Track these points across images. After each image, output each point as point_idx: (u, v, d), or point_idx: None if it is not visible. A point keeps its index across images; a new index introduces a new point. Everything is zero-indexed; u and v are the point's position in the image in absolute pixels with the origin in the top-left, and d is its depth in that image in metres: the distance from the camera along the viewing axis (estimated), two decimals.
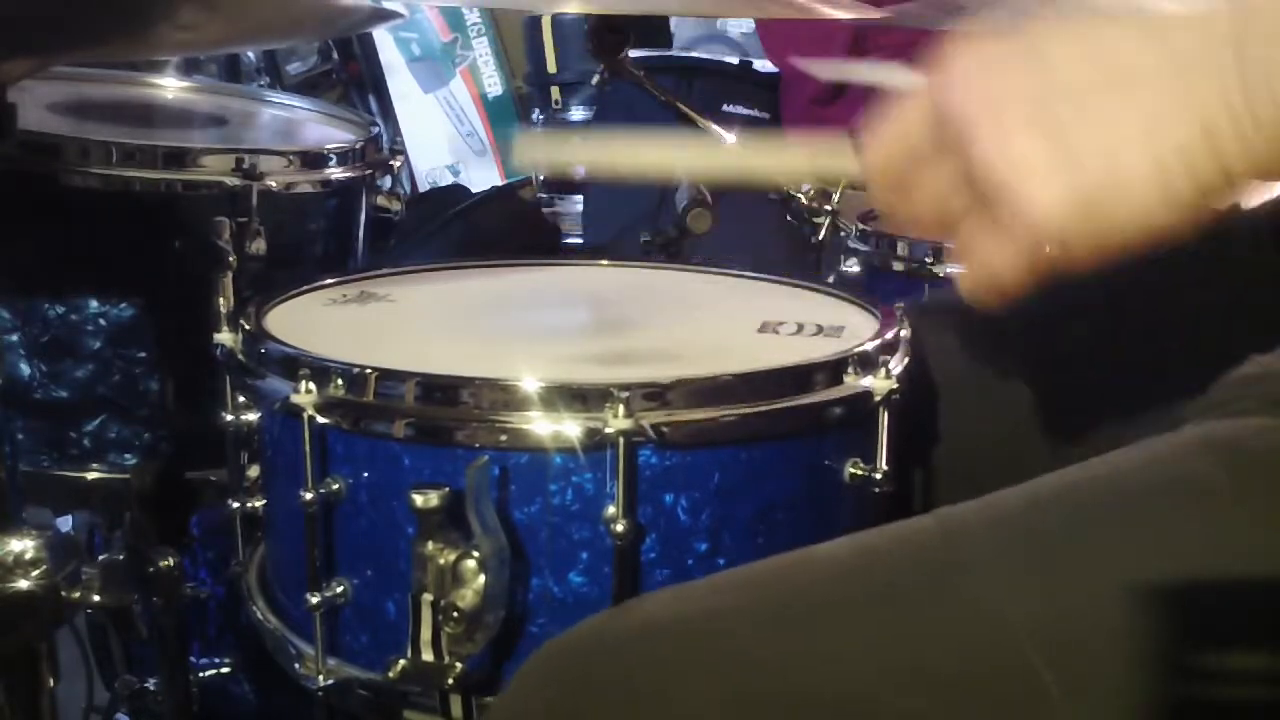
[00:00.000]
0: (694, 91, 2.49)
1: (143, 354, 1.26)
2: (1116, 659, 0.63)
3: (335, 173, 1.34)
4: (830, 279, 1.48)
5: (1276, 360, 0.76)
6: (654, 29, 3.13)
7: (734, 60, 2.70)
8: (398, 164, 1.46)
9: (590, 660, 0.72)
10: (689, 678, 0.68)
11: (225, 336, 0.99)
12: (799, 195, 1.50)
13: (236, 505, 1.03)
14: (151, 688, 1.26)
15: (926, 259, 1.44)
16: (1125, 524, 0.68)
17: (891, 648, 0.66)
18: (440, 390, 0.84)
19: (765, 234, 1.79)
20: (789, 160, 0.74)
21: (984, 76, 0.58)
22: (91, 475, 1.28)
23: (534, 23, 3.33)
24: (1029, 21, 0.59)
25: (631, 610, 0.77)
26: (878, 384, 0.87)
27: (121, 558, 1.02)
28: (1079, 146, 0.56)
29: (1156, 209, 0.56)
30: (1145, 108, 0.55)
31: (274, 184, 1.25)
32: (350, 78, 3.47)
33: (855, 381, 0.87)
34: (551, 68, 3.33)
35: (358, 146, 1.38)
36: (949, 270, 1.43)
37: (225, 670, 1.26)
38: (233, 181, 1.21)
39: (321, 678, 0.90)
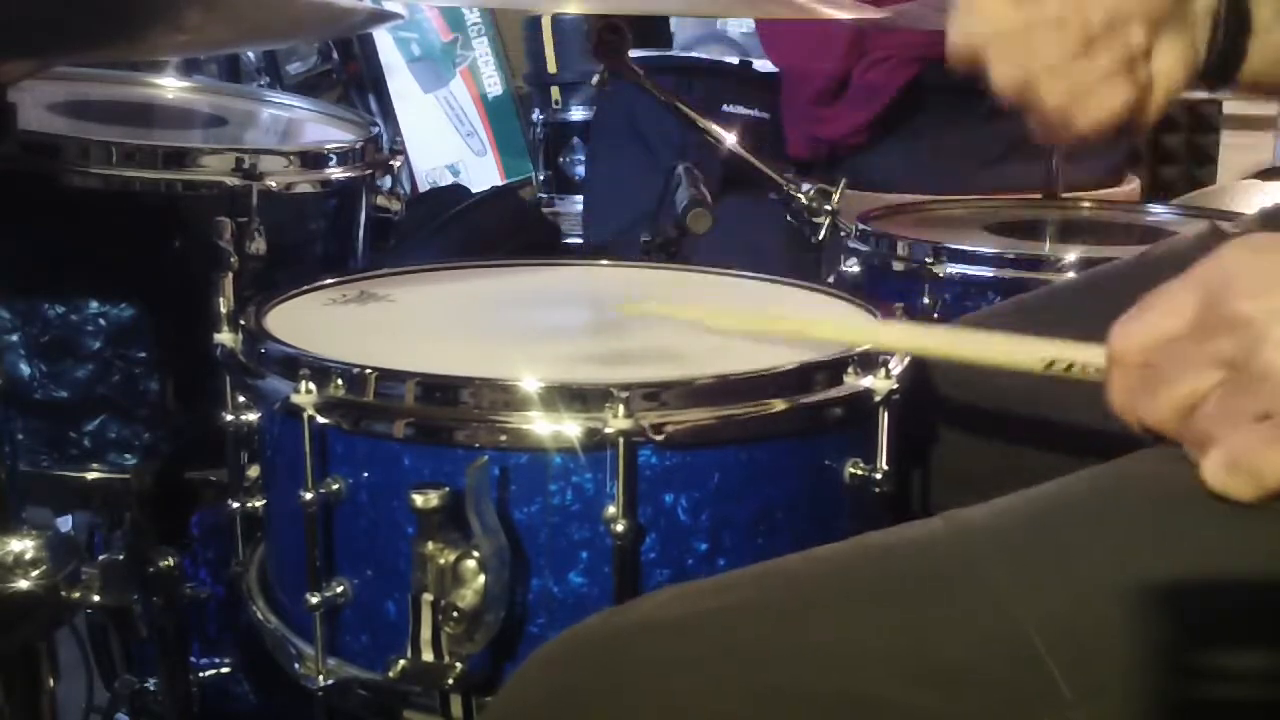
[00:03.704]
0: (694, 91, 2.49)
1: (143, 354, 1.26)
2: (1127, 658, 0.63)
3: (335, 173, 1.34)
4: (830, 279, 1.48)
5: None
6: (654, 29, 3.13)
7: (734, 60, 2.70)
8: (398, 164, 1.46)
9: (589, 659, 0.72)
10: (688, 677, 0.68)
11: (225, 336, 0.99)
12: (799, 195, 1.50)
13: (236, 505, 1.03)
14: (151, 688, 1.26)
15: (926, 259, 1.44)
16: (1133, 525, 0.68)
17: (899, 646, 0.66)
18: (440, 390, 0.84)
19: (765, 234, 1.79)
20: (1031, 352, 0.75)
21: (1268, 280, 0.61)
22: (91, 475, 1.28)
23: (534, 23, 3.33)
24: None
25: (630, 610, 0.77)
26: (878, 384, 0.87)
27: (121, 558, 1.02)
28: None
29: None
30: None
31: (274, 184, 1.25)
32: (350, 78, 3.46)
33: (855, 381, 0.87)
34: (551, 68, 3.33)
35: (358, 146, 1.38)
36: (948, 271, 1.43)
37: (225, 670, 1.26)
38: (233, 181, 1.21)
39: (321, 678, 0.90)
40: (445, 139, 3.65)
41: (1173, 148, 3.17)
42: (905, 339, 0.89)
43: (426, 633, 0.80)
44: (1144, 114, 0.85)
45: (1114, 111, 0.84)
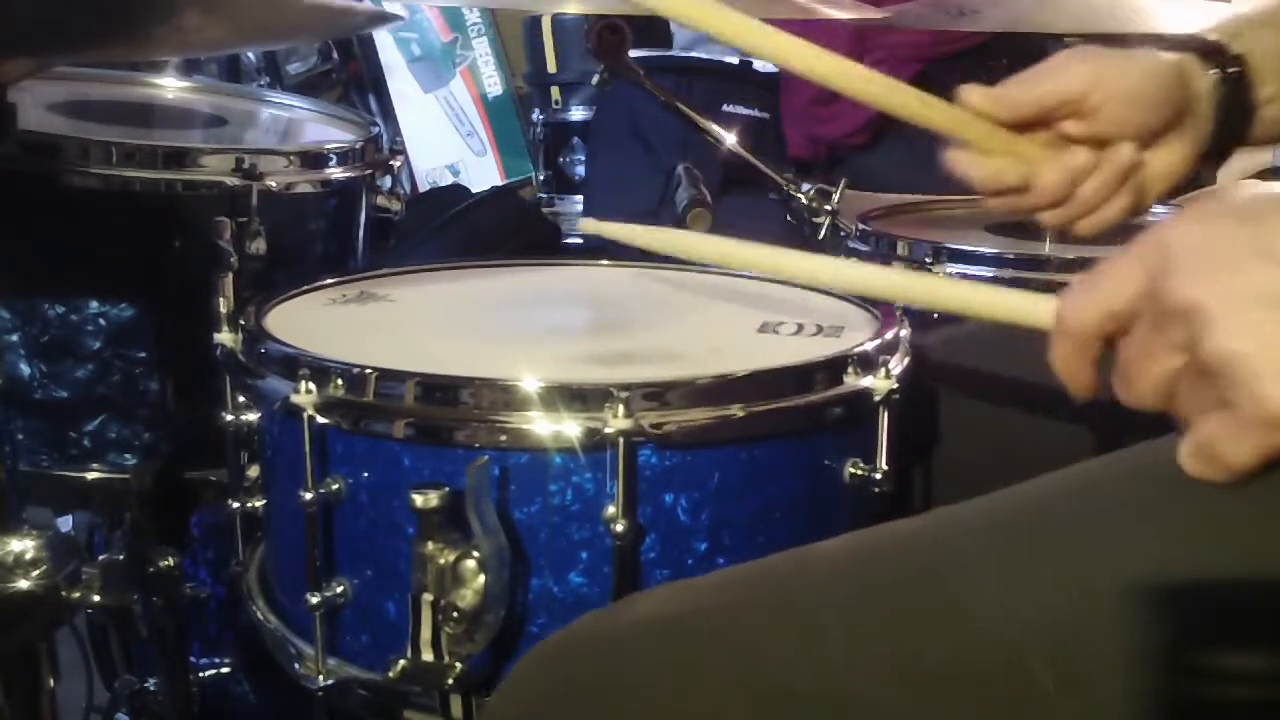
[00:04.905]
0: (694, 91, 2.49)
1: (143, 354, 1.26)
2: (1113, 658, 0.63)
3: (335, 173, 1.34)
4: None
5: None
6: (654, 29, 3.12)
7: (734, 60, 2.70)
8: (398, 164, 1.46)
9: (586, 657, 0.72)
10: (684, 674, 0.68)
11: (225, 336, 0.99)
12: (799, 195, 1.50)
13: (236, 505, 1.03)
14: (151, 688, 1.26)
15: (926, 259, 1.44)
16: (1122, 523, 0.68)
17: (888, 645, 0.66)
18: (440, 390, 0.84)
19: (765, 234, 1.78)
20: (983, 298, 0.75)
21: (1211, 264, 0.60)
22: (91, 475, 1.28)
23: (534, 23, 3.33)
24: (1249, 203, 0.63)
25: (627, 607, 0.77)
26: (878, 384, 0.87)
27: (121, 558, 1.02)
28: None
29: None
30: None
31: (274, 184, 1.25)
32: (350, 78, 3.46)
33: (855, 381, 0.87)
34: (551, 68, 3.33)
35: (358, 146, 1.38)
36: (948, 271, 1.43)
37: (225, 670, 1.26)
38: (233, 181, 1.21)
39: (321, 678, 0.90)
40: (445, 139, 3.64)
41: None
42: (865, 280, 0.87)
43: (426, 633, 0.80)
44: (1143, 208, 0.89)
45: (1115, 218, 0.88)
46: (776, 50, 0.87)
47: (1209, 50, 0.87)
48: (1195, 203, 0.66)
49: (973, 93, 0.87)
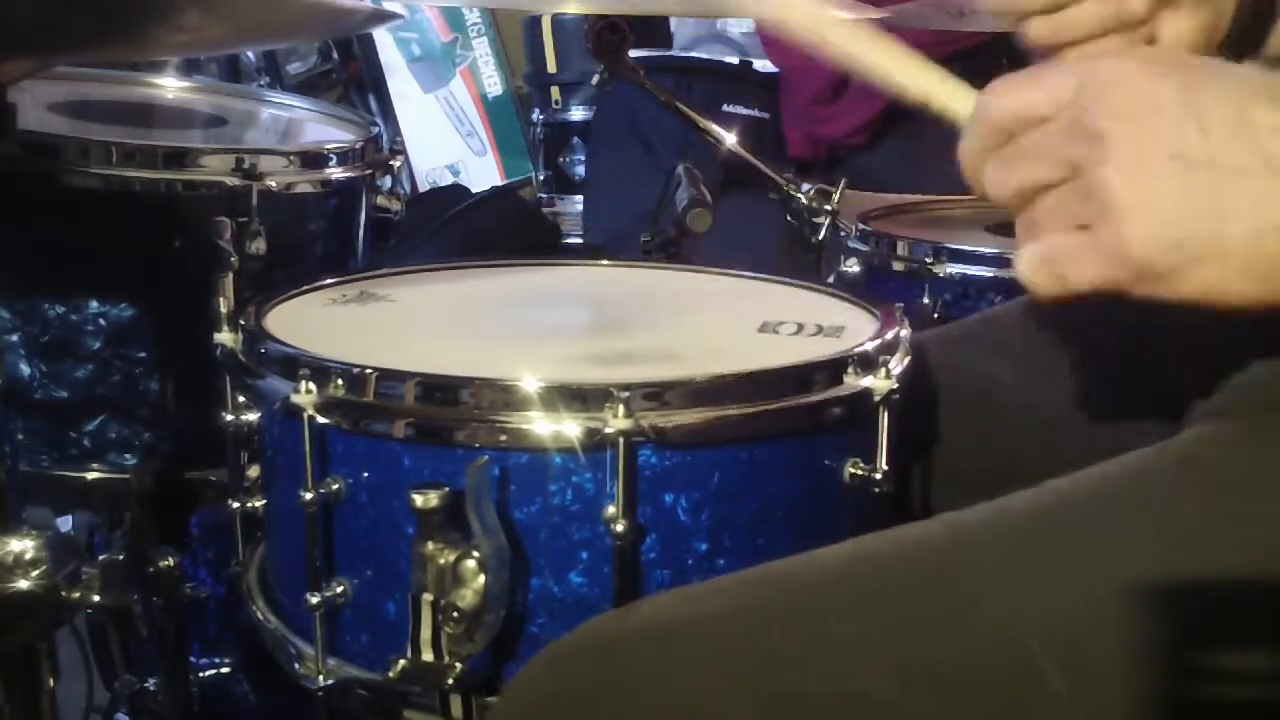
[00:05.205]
0: (694, 91, 2.49)
1: (143, 354, 1.26)
2: (1123, 659, 0.63)
3: (335, 173, 1.34)
4: (830, 279, 1.48)
5: (1277, 363, 0.76)
6: (654, 29, 3.13)
7: (734, 60, 2.70)
8: (398, 164, 1.46)
9: (592, 661, 0.72)
10: (690, 679, 0.68)
11: (225, 336, 0.99)
12: (799, 195, 1.50)
13: (236, 505, 1.03)
14: (151, 688, 1.26)
15: (926, 259, 1.44)
16: (1129, 526, 0.68)
17: (898, 648, 0.66)
18: (440, 390, 0.84)
19: (765, 234, 1.79)
20: (917, 75, 0.74)
21: (1137, 106, 0.61)
22: (91, 475, 1.28)
23: (534, 23, 3.33)
24: (1192, 63, 0.64)
25: (633, 613, 0.77)
26: (878, 384, 0.87)
27: (121, 558, 1.02)
28: (1197, 209, 0.60)
29: (1238, 281, 0.60)
30: (1274, 198, 0.59)
31: (274, 184, 1.25)
32: (350, 78, 3.47)
33: (855, 381, 0.87)
34: (551, 68, 3.33)
35: (358, 146, 1.38)
36: (948, 271, 1.44)
37: (225, 670, 1.26)
38: (233, 181, 1.21)
39: (321, 678, 0.89)
40: (445, 139, 3.65)
41: None
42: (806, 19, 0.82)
43: (426, 633, 0.80)
44: None
45: None
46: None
47: None
48: (1144, 49, 0.66)
49: None
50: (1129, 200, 0.60)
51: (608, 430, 0.79)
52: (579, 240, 2.79)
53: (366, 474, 0.86)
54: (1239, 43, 0.85)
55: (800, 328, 0.99)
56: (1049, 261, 0.64)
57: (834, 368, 0.87)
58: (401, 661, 0.82)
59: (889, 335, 0.93)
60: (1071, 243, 0.63)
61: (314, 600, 0.88)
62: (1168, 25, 0.84)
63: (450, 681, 0.81)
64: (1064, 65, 0.66)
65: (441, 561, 0.79)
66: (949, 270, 1.43)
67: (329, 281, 1.12)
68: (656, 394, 0.82)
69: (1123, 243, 0.61)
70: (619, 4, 1.43)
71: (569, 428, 0.81)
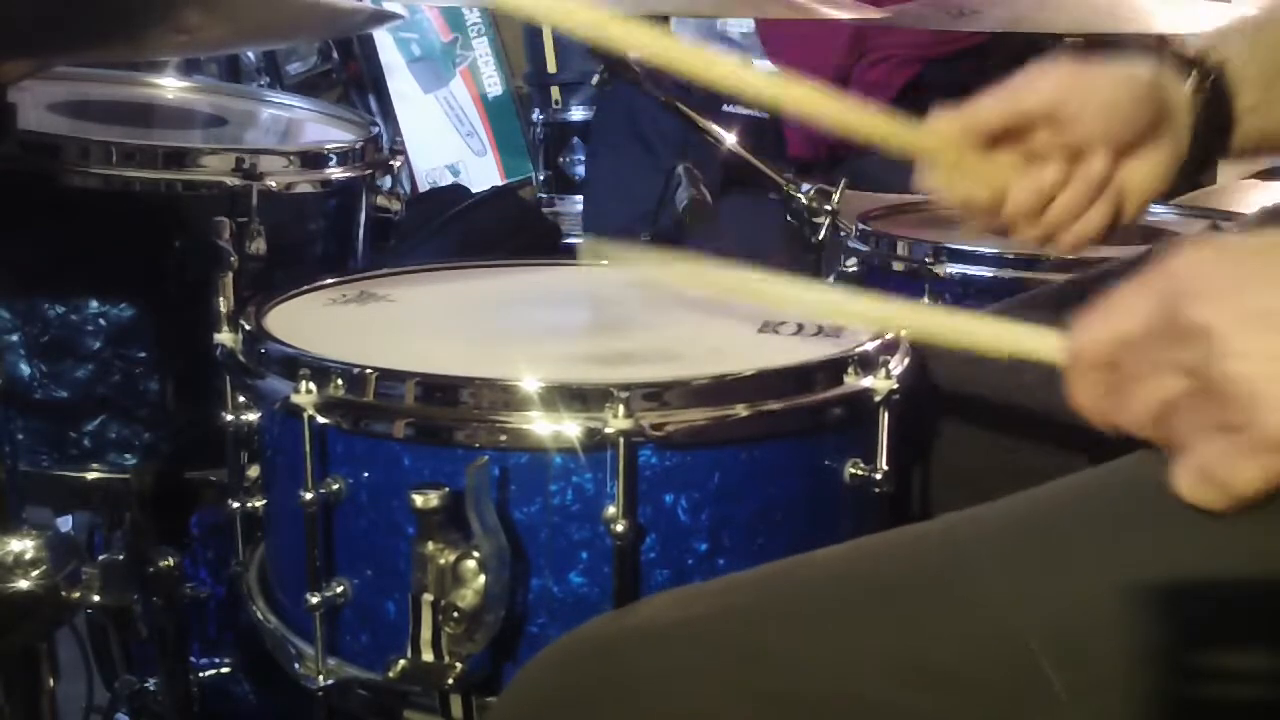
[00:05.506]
0: (694, 91, 2.49)
1: (143, 354, 1.26)
2: (1123, 659, 0.63)
3: (335, 173, 1.34)
4: (830, 279, 1.48)
5: None
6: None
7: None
8: (398, 164, 1.46)
9: (591, 661, 0.72)
10: (690, 679, 0.68)
11: (225, 336, 0.99)
12: (799, 195, 1.50)
13: (236, 505, 1.03)
14: (151, 688, 1.26)
15: (926, 259, 1.44)
16: (1129, 526, 0.68)
17: (897, 648, 0.66)
18: (440, 390, 0.84)
19: (765, 234, 1.79)
20: (989, 333, 0.75)
21: (1226, 291, 0.61)
22: (91, 475, 1.28)
23: None
24: (1255, 236, 0.64)
25: (633, 613, 0.77)
26: (878, 384, 0.87)
27: (121, 558, 1.02)
28: None
29: None
30: None
31: (274, 184, 1.25)
32: (350, 78, 3.47)
33: (855, 381, 0.87)
34: (551, 68, 3.34)
35: (358, 146, 1.38)
36: (948, 271, 1.43)
37: (225, 670, 1.26)
38: (233, 181, 1.21)
39: (321, 678, 0.90)
40: (445, 139, 3.65)
41: None
42: (869, 312, 0.88)
43: (426, 633, 0.80)
44: (1123, 220, 0.88)
45: (1095, 231, 0.87)
46: (729, 80, 0.86)
47: (1186, 60, 0.86)
48: (1200, 240, 0.66)
49: (942, 117, 0.87)
50: (1258, 385, 0.59)
51: (608, 430, 0.79)
52: (579, 240, 2.79)
53: (366, 474, 0.86)
54: (1197, 165, 0.86)
55: (800, 328, 0.99)
56: (1208, 477, 0.62)
57: (834, 368, 0.87)
58: (401, 661, 0.82)
59: (889, 335, 0.93)
60: (1222, 450, 0.61)
61: (314, 600, 0.88)
62: (1134, 172, 0.86)
63: (450, 681, 0.81)
64: (1131, 284, 0.65)
65: (441, 561, 0.79)
66: (949, 270, 1.43)
67: (329, 281, 1.12)
68: (656, 394, 0.82)
69: (1272, 431, 0.59)
70: (619, 4, 1.43)
71: (569, 428, 0.81)
